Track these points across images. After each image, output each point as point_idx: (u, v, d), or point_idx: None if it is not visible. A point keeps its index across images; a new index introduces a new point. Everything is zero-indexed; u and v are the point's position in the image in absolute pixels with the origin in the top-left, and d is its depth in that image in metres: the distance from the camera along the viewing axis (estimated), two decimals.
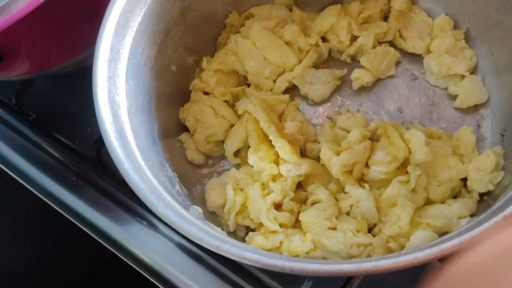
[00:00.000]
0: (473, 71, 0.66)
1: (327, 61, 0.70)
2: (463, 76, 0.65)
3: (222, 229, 0.60)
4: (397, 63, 0.69)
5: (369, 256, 0.55)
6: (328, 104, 0.69)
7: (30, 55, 0.66)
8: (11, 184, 0.75)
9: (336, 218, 0.58)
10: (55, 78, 0.81)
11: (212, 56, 0.72)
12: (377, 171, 0.58)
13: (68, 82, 0.80)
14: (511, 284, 0.24)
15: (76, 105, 0.78)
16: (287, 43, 0.67)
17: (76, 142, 0.77)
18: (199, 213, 0.57)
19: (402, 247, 0.56)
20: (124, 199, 0.71)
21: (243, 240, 0.59)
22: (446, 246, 0.41)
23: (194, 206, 0.58)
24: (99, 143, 0.71)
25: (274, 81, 0.68)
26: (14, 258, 0.82)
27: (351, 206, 0.58)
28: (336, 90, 0.69)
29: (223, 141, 0.66)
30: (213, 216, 0.64)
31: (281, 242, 0.56)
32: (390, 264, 0.41)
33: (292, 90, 0.69)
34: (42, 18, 0.61)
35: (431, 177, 0.59)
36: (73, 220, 0.71)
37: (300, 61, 0.67)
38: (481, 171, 0.58)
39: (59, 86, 0.81)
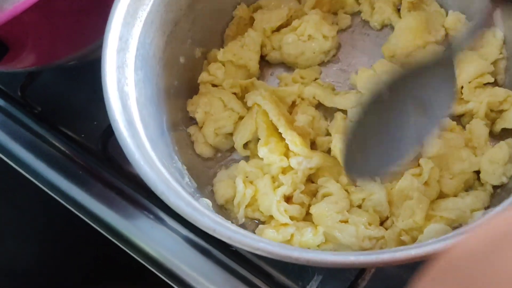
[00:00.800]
0: None
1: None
2: None
3: (232, 223, 0.59)
4: None
5: (381, 249, 0.54)
6: None
7: (36, 47, 0.65)
8: (15, 178, 0.75)
9: (347, 211, 0.57)
10: (61, 71, 0.80)
11: (220, 48, 0.71)
12: None
13: (74, 75, 0.79)
14: (504, 271, 0.23)
15: (82, 98, 0.78)
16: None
17: (82, 135, 0.76)
18: (208, 207, 0.56)
19: (414, 240, 0.55)
20: (130, 192, 0.70)
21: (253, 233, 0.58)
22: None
23: (204, 199, 0.57)
24: (106, 137, 0.70)
25: None
26: (18, 253, 0.82)
27: (363, 199, 0.58)
28: None
29: (232, 134, 0.65)
30: (222, 210, 0.63)
31: (292, 235, 0.55)
32: (408, 255, 0.40)
33: None
34: (49, 9, 0.60)
35: (443, 170, 0.58)
36: (79, 214, 0.71)
37: None
38: (494, 163, 0.57)
39: (65, 79, 0.80)
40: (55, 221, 0.82)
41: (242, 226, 0.61)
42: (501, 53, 0.63)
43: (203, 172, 0.65)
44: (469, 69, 0.61)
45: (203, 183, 0.64)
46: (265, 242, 0.42)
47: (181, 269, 0.65)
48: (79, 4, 0.64)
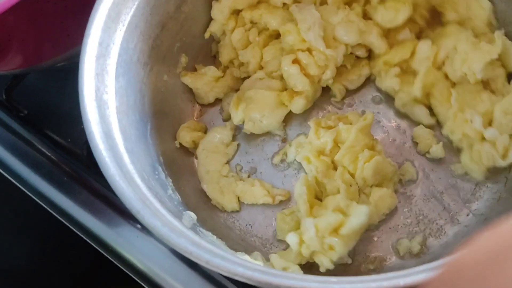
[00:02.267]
0: None
1: None
2: None
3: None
4: None
5: None
6: None
7: (21, 49, 0.63)
8: (1, 181, 0.73)
9: None
10: (47, 73, 0.78)
11: (209, 53, 0.69)
12: None
13: (61, 78, 0.77)
14: (510, 281, 0.23)
15: (69, 102, 0.73)
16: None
17: (69, 140, 0.74)
18: (193, 220, 0.53)
19: None
20: (117, 201, 0.67)
21: None
22: None
23: (188, 212, 0.55)
24: None
25: None
26: (3, 256, 0.80)
27: None
28: None
29: None
30: (208, 219, 0.60)
31: None
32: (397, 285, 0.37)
33: None
34: (32, 10, 0.59)
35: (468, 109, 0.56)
36: (64, 222, 0.69)
37: None
38: (509, 114, 0.55)
39: (52, 81, 0.78)
40: (41, 226, 0.80)
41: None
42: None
43: (189, 181, 0.63)
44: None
45: (188, 191, 0.61)
46: (245, 267, 0.39)
47: (165, 280, 0.63)
48: (64, 4, 0.61)
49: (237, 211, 0.62)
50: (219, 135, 0.63)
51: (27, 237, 0.79)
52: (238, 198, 0.62)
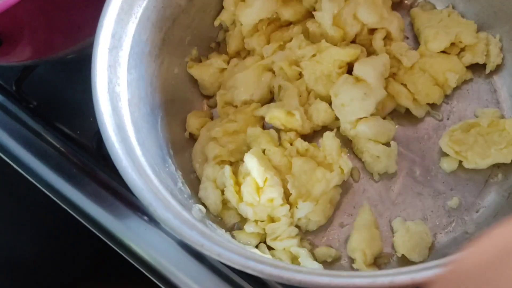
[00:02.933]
0: None
1: None
2: None
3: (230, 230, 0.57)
4: None
5: None
6: None
7: (31, 40, 0.63)
8: (10, 172, 0.73)
9: None
10: (57, 65, 0.78)
11: (218, 46, 0.69)
12: None
13: (71, 69, 0.77)
14: (508, 283, 0.24)
15: (79, 94, 0.75)
16: None
17: (78, 132, 0.74)
18: (202, 214, 0.54)
19: None
20: (125, 193, 0.69)
21: None
22: None
23: (197, 205, 0.55)
24: (100, 135, 0.68)
25: None
26: (15, 247, 0.81)
27: None
28: None
29: None
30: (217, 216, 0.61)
31: None
32: (407, 280, 0.37)
33: None
34: (43, 1, 0.58)
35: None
36: (73, 213, 0.69)
37: None
38: None
39: (62, 73, 0.78)
40: (52, 217, 0.81)
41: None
42: None
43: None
44: None
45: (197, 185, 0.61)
46: (256, 260, 0.40)
47: (173, 273, 0.63)
48: None
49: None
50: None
51: (35, 228, 0.80)
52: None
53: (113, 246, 0.66)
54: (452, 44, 0.63)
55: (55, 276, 0.77)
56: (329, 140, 0.58)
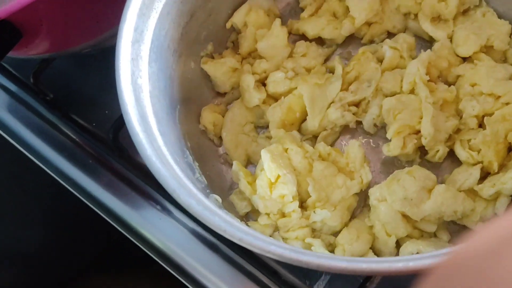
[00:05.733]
0: None
1: None
2: None
3: (241, 220, 0.58)
4: None
5: None
6: None
7: (50, 34, 0.64)
8: (25, 163, 0.75)
9: None
10: (74, 58, 0.80)
11: (233, 45, 0.70)
12: None
13: (87, 63, 0.79)
14: (509, 272, 0.24)
15: (95, 87, 0.77)
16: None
17: (94, 124, 0.75)
18: (218, 203, 0.56)
19: None
20: (139, 183, 0.70)
21: None
22: None
23: (213, 195, 0.57)
24: (117, 127, 0.69)
25: None
26: (25, 236, 0.82)
27: None
28: None
29: None
30: (231, 206, 0.62)
31: None
32: (422, 266, 0.39)
33: None
34: None
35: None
36: (88, 203, 0.71)
37: None
38: None
39: (78, 66, 0.79)
40: (63, 207, 0.82)
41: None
42: None
43: (214, 166, 0.65)
44: None
45: (213, 178, 0.63)
46: (276, 245, 0.42)
47: (187, 262, 0.65)
48: None
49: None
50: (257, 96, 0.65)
51: (51, 216, 0.81)
52: (249, 158, 0.65)
53: (127, 235, 0.68)
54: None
55: (71, 265, 0.79)
56: (354, 149, 0.60)
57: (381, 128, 0.64)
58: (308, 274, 0.62)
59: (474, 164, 0.58)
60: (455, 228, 0.59)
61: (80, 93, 0.78)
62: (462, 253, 0.27)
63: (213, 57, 0.68)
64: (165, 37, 0.58)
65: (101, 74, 0.76)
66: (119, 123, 0.68)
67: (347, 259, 0.41)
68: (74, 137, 0.75)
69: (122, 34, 0.52)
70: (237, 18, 0.68)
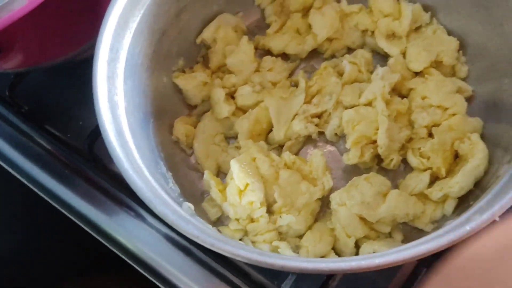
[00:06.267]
0: None
1: None
2: None
3: (212, 225, 0.62)
4: None
5: None
6: None
7: (26, 50, 0.67)
8: (1, 174, 0.76)
9: None
10: (49, 71, 0.82)
11: (203, 60, 0.74)
12: None
13: (62, 75, 0.81)
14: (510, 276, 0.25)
15: (69, 99, 0.79)
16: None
17: (68, 135, 0.77)
18: (191, 211, 0.59)
19: None
20: (114, 192, 0.73)
21: None
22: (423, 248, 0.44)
23: (186, 203, 0.60)
24: (92, 137, 0.72)
25: None
26: (3, 246, 0.83)
27: None
28: None
29: None
30: (203, 213, 0.66)
31: None
32: (374, 264, 0.44)
33: None
34: (41, 14, 0.62)
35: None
36: (64, 211, 0.73)
37: None
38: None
39: (53, 79, 0.81)
40: (39, 215, 0.83)
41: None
42: None
43: (186, 175, 0.69)
44: None
45: (186, 185, 0.67)
46: (245, 249, 0.46)
47: (161, 265, 0.68)
48: (69, 9, 0.65)
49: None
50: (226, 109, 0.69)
51: (28, 223, 0.82)
52: (219, 167, 0.69)
53: (103, 241, 0.70)
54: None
55: (47, 272, 0.79)
56: (317, 158, 0.65)
57: (342, 138, 0.69)
58: (276, 274, 0.65)
59: (424, 170, 0.63)
60: (408, 229, 0.64)
61: (55, 104, 0.80)
62: (466, 257, 0.28)
63: (184, 72, 0.72)
64: (139, 55, 0.62)
65: (75, 86, 0.78)
66: (94, 134, 0.71)
67: (308, 260, 0.46)
68: (49, 148, 0.77)
69: (99, 54, 0.55)
70: (207, 35, 0.72)
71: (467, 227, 0.45)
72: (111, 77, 0.56)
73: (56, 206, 0.73)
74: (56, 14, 0.64)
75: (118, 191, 0.73)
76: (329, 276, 0.63)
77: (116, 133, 0.52)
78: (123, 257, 0.69)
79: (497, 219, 0.52)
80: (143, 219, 0.71)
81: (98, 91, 0.54)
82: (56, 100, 0.80)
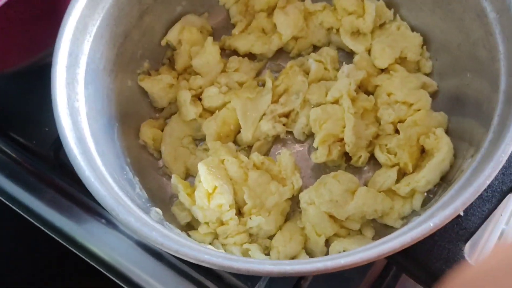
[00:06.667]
0: None
1: None
2: None
3: (181, 230, 0.62)
4: None
5: None
6: None
7: None
8: None
9: None
10: (12, 77, 0.79)
11: (169, 62, 0.73)
12: None
13: (26, 81, 0.79)
14: None
15: (34, 105, 0.77)
16: None
17: (34, 142, 0.76)
18: (159, 216, 0.59)
19: None
20: (83, 198, 0.72)
21: None
22: (387, 246, 0.45)
23: (154, 208, 0.60)
24: (58, 144, 0.70)
25: None
26: None
27: None
28: None
29: None
30: (173, 217, 0.65)
31: None
32: (339, 264, 0.44)
33: None
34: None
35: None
36: (31, 220, 0.71)
37: None
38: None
39: (16, 84, 0.79)
40: (9, 225, 0.81)
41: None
42: None
43: (154, 179, 0.68)
44: None
45: (154, 190, 0.66)
46: (210, 255, 0.45)
47: (133, 272, 0.67)
48: (30, 13, 0.64)
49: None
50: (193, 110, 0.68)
51: None
52: (188, 170, 0.68)
53: (74, 250, 0.69)
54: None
55: (17, 281, 0.78)
56: (285, 157, 0.64)
57: (310, 136, 0.69)
58: (249, 277, 0.65)
59: (392, 166, 0.64)
60: (379, 226, 0.65)
61: (19, 111, 0.78)
62: (476, 270, 0.28)
63: (150, 74, 0.71)
64: (101, 59, 0.61)
65: (39, 92, 0.75)
66: (60, 140, 0.69)
67: (274, 262, 0.46)
68: (14, 155, 0.75)
69: (57, 60, 0.54)
70: (171, 36, 0.71)
71: (431, 223, 0.45)
72: (71, 83, 0.55)
73: (24, 214, 0.72)
74: (14, 19, 0.62)
75: (88, 198, 0.71)
76: (301, 277, 0.63)
77: (77, 140, 0.51)
78: (94, 264, 0.68)
79: (462, 213, 0.53)
80: (113, 225, 0.70)
81: (57, 98, 0.52)
82: (20, 106, 0.78)
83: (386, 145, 0.64)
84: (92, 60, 0.59)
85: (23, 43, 0.67)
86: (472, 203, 0.48)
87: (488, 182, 0.46)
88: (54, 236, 0.70)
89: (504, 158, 0.46)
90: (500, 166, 0.46)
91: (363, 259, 0.44)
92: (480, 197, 0.52)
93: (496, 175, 0.48)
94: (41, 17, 0.65)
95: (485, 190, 0.47)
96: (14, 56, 0.69)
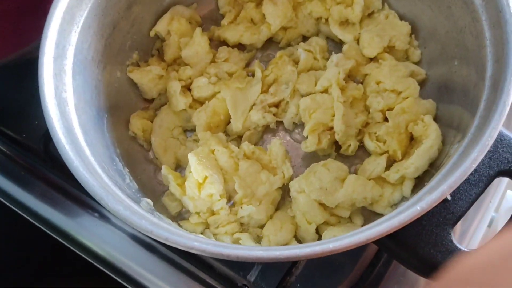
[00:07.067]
0: None
1: None
2: None
3: (172, 220, 0.62)
4: None
5: None
6: None
7: None
8: None
9: None
10: (0, 70, 0.80)
11: (159, 53, 0.73)
12: None
13: (14, 74, 0.79)
14: None
15: (23, 98, 0.77)
16: None
17: (24, 135, 0.76)
18: (149, 206, 0.59)
19: None
20: (74, 192, 0.72)
21: None
22: (375, 231, 0.45)
23: (145, 198, 0.60)
24: (47, 137, 0.70)
25: None
26: None
27: None
28: None
29: None
30: (164, 208, 0.66)
31: None
32: (328, 249, 0.44)
33: None
34: None
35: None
36: (23, 214, 0.71)
37: None
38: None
39: (5, 78, 0.79)
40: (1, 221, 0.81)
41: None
42: None
43: (145, 170, 0.68)
44: None
45: (144, 181, 0.66)
46: (199, 242, 0.45)
47: (126, 265, 0.67)
48: (16, 5, 0.64)
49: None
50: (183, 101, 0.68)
51: None
52: (178, 161, 0.68)
53: (66, 243, 0.69)
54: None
55: (10, 277, 0.78)
56: (276, 147, 0.65)
57: (300, 126, 0.70)
58: (242, 266, 0.65)
59: (381, 154, 0.64)
60: (369, 214, 0.65)
61: (8, 104, 0.78)
62: (469, 264, 0.28)
63: (139, 65, 0.71)
64: (89, 50, 0.61)
65: (28, 85, 0.76)
66: (50, 134, 0.69)
67: (263, 248, 0.46)
68: (4, 149, 0.75)
69: (44, 51, 0.54)
70: (160, 27, 0.71)
71: (418, 207, 0.45)
72: (58, 74, 0.54)
73: (15, 208, 0.72)
74: (1, 12, 0.62)
75: (79, 192, 0.71)
76: (293, 264, 0.63)
77: (65, 130, 0.51)
78: (87, 258, 0.68)
79: (449, 197, 0.53)
80: (106, 219, 0.70)
81: (45, 89, 0.52)
82: (9, 99, 0.78)
83: (375, 133, 0.65)
84: (80, 51, 0.59)
85: (9, 36, 0.67)
86: (459, 187, 0.48)
87: (474, 166, 0.46)
88: (46, 230, 0.70)
89: (490, 142, 0.47)
90: (486, 150, 0.47)
91: (351, 243, 0.44)
92: (467, 181, 0.53)
93: (483, 160, 0.48)
94: (28, 10, 0.65)
95: (472, 174, 0.48)
96: (1, 49, 0.69)
